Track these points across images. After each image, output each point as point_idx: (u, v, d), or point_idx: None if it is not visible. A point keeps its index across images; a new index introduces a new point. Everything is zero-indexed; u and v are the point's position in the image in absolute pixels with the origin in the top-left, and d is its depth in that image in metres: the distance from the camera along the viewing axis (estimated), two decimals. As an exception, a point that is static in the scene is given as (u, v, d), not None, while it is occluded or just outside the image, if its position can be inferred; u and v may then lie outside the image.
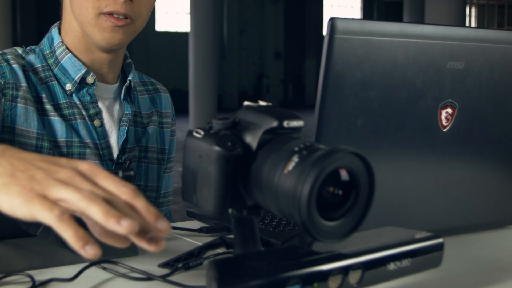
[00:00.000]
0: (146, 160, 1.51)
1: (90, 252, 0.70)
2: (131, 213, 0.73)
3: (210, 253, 1.00)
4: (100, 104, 1.44)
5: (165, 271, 0.98)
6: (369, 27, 1.03)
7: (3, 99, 1.33)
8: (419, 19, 12.93)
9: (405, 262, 0.83)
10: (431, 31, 1.10)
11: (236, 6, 18.82)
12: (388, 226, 0.93)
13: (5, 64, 1.37)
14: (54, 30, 1.46)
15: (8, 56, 1.39)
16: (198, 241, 1.15)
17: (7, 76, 1.35)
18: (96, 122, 1.42)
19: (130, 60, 1.52)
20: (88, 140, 1.40)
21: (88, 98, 1.42)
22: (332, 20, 0.99)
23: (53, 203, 0.72)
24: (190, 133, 0.85)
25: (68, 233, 0.71)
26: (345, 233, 0.79)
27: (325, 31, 1.01)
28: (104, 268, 0.98)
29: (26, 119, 1.35)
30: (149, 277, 0.95)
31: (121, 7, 1.34)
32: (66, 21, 1.44)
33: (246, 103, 0.89)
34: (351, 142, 1.04)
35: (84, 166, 0.77)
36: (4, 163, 0.77)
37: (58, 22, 1.48)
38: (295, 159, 0.78)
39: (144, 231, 0.73)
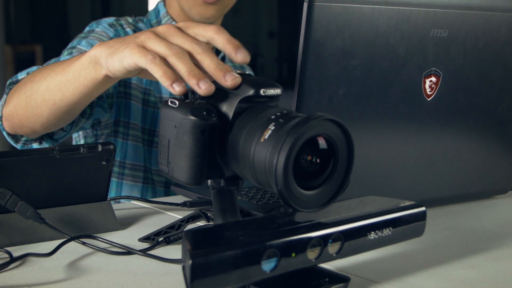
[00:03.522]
0: None
1: (177, 89, 0.85)
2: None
3: (191, 226, 0.99)
4: None
5: (145, 245, 0.97)
6: (350, -6, 1.01)
7: None
8: None
9: (386, 231, 0.81)
10: (414, -2, 1.08)
11: (229, -15, 18.68)
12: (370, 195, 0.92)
13: (120, 28, 1.56)
14: (160, 3, 1.66)
15: (122, 22, 1.58)
16: (181, 216, 1.14)
17: None
18: None
19: None
20: None
21: None
22: (311, -13, 0.97)
23: (149, 50, 0.90)
24: (165, 103, 0.83)
25: (158, 73, 0.87)
26: (323, 202, 0.78)
27: None
28: (83, 243, 0.97)
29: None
30: (129, 251, 0.94)
31: None
32: None
33: (222, 72, 0.87)
34: (333, 112, 1.02)
35: (179, 24, 0.94)
36: (114, 39, 0.99)
37: None
38: (272, 127, 0.76)
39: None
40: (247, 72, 1.68)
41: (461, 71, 1.15)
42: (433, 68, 1.11)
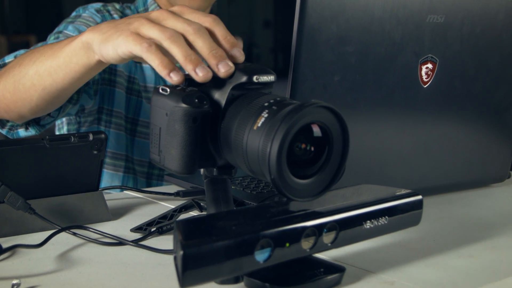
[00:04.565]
0: None
1: (174, 78, 0.83)
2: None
3: (183, 216, 0.97)
4: None
5: (137, 235, 0.95)
6: (344, -20, 0.99)
7: None
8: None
9: (382, 220, 0.80)
10: (410, -17, 1.06)
11: (224, -25, 18.65)
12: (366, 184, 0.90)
13: (107, 14, 1.54)
14: None
15: (109, 7, 1.56)
16: (174, 205, 1.12)
17: None
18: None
19: None
20: None
21: None
22: (305, -28, 0.95)
23: (144, 38, 0.88)
24: (156, 90, 0.82)
25: (155, 62, 0.85)
26: (318, 191, 0.76)
27: None
28: (74, 234, 0.95)
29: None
30: (120, 242, 0.92)
31: None
32: None
33: (214, 58, 0.85)
34: (328, 99, 1.00)
35: (174, 8, 0.92)
36: (106, 24, 0.96)
37: None
38: (265, 114, 0.74)
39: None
40: None
41: (458, 58, 1.13)
42: (430, 55, 1.10)
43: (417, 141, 1.13)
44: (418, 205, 0.84)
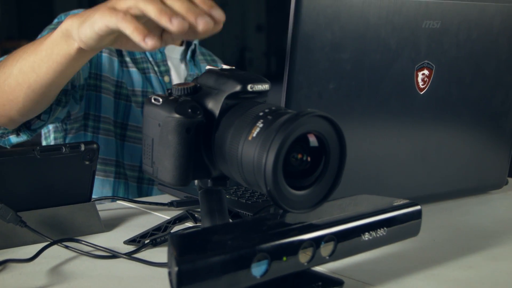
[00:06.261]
0: None
1: (149, 43, 0.83)
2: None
3: (178, 227, 0.95)
4: (169, 63, 1.61)
5: (131, 248, 0.93)
6: (339, -14, 0.97)
7: None
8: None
9: (381, 232, 0.78)
10: (405, -12, 1.05)
11: (216, -21, 18.60)
12: (363, 194, 0.89)
13: None
14: None
15: None
16: (168, 216, 1.10)
17: None
18: (166, 78, 1.59)
19: None
20: (159, 92, 1.57)
21: (159, 56, 1.59)
22: (299, -22, 0.93)
23: (119, 10, 0.86)
24: (148, 100, 0.80)
25: (129, 29, 0.84)
26: (315, 202, 0.74)
27: None
28: (67, 247, 0.93)
29: (109, 67, 1.51)
30: (114, 255, 0.90)
31: None
32: None
33: (208, 67, 0.84)
34: (323, 107, 0.99)
35: None
36: (89, 9, 0.94)
37: None
38: (260, 124, 0.73)
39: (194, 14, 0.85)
40: (218, 65, 1.68)
41: (454, 64, 1.12)
42: (426, 61, 1.08)
43: (413, 148, 1.12)
44: (417, 215, 0.83)
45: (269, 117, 0.73)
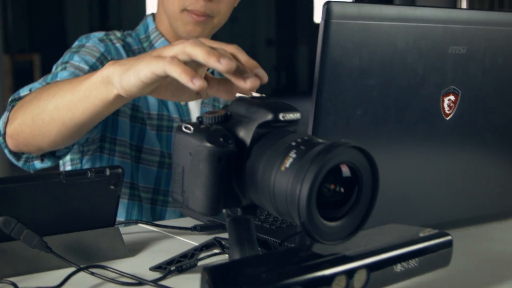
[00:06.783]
0: None
1: (197, 83, 0.85)
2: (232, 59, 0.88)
3: (204, 254, 0.95)
4: None
5: (157, 274, 0.93)
6: (367, 11, 0.97)
7: None
8: (410, 2, 12.82)
9: (413, 263, 0.78)
10: (432, 14, 1.04)
11: (227, -6, 18.62)
12: (391, 222, 0.88)
13: (109, 43, 1.55)
14: (149, 18, 1.64)
15: (112, 36, 1.57)
16: (192, 240, 1.10)
17: (112, 53, 1.53)
18: (182, 102, 1.56)
19: None
20: (175, 115, 1.57)
21: None
22: (328, 4, 0.93)
23: (165, 57, 0.89)
24: (179, 128, 0.79)
25: (177, 71, 0.86)
26: (347, 233, 0.74)
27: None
28: (92, 273, 0.92)
29: None
30: (140, 282, 0.90)
31: (200, 6, 1.50)
32: (159, 12, 1.62)
33: (238, 94, 0.83)
34: (350, 133, 0.98)
35: (191, 40, 0.91)
36: (127, 58, 1.00)
37: (152, 13, 1.66)
38: (293, 154, 0.72)
39: (241, 74, 0.89)
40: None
41: (480, 89, 1.11)
42: (452, 86, 1.08)
43: (439, 173, 1.11)
44: (448, 245, 0.82)
45: (302, 147, 0.73)
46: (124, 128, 1.52)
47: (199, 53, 0.87)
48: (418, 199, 1.10)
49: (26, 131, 1.16)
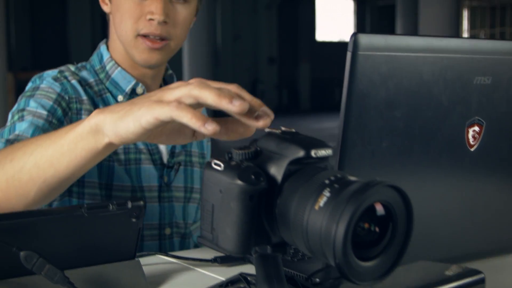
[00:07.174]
0: (190, 163, 1.60)
1: (209, 128, 0.82)
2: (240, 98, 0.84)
3: (228, 289, 0.93)
4: None
5: (180, 310, 0.91)
6: (394, 42, 0.96)
7: (69, 113, 1.44)
8: (413, 23, 12.87)
9: (446, 302, 0.76)
10: (457, 44, 1.03)
11: (230, 12, 18.73)
12: (415, 255, 0.86)
13: (65, 81, 1.47)
14: (102, 47, 1.57)
15: (66, 73, 1.49)
16: (212, 272, 1.08)
17: (69, 91, 1.46)
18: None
19: (171, 71, 1.63)
20: (142, 146, 1.50)
21: None
22: (355, 35, 0.92)
23: (170, 101, 0.85)
24: (208, 164, 0.78)
25: (187, 116, 0.82)
26: (382, 273, 0.72)
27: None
28: (115, 309, 0.91)
29: None
30: (163, 318, 0.88)
31: (155, 28, 1.44)
32: (113, 39, 1.55)
33: (267, 129, 0.82)
34: (376, 165, 0.97)
35: (194, 81, 0.87)
36: (116, 104, 0.96)
37: (105, 39, 1.58)
38: (327, 193, 0.71)
39: (251, 113, 0.85)
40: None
41: (504, 119, 1.10)
42: (476, 117, 1.06)
43: (464, 204, 1.09)
44: (481, 283, 0.81)
45: (336, 185, 0.71)
46: (91, 169, 1.44)
47: (208, 96, 0.83)
48: (442, 231, 1.08)
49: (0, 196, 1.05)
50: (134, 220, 1.00)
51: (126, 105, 0.91)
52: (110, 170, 1.47)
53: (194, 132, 0.96)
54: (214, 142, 1.61)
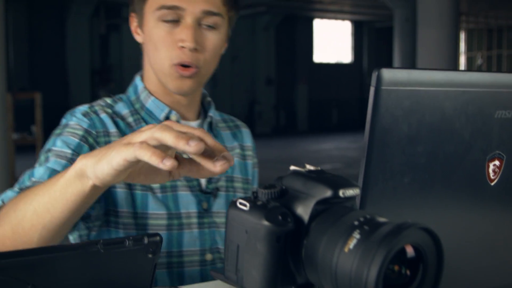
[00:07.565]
0: (232, 189, 1.60)
1: (168, 164, 0.89)
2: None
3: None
4: None
5: None
6: (416, 77, 0.95)
7: (97, 147, 1.44)
8: (411, 45, 12.89)
9: None
10: (479, 78, 1.02)
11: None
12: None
13: (94, 115, 1.50)
14: (137, 78, 1.61)
15: (96, 108, 1.52)
16: (227, 308, 1.06)
17: (97, 126, 1.48)
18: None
19: (209, 99, 1.66)
20: None
21: None
22: (378, 70, 0.91)
23: (134, 143, 0.93)
24: (233, 204, 0.76)
25: (147, 155, 0.90)
26: (413, 317, 0.70)
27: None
28: None
29: None
30: None
31: (187, 56, 1.47)
32: (146, 70, 1.59)
33: (292, 167, 0.80)
34: (397, 202, 0.95)
35: (159, 125, 0.94)
36: (99, 148, 1.01)
37: (140, 71, 1.62)
38: (356, 235, 0.69)
39: (210, 157, 0.93)
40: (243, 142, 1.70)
41: (525, 153, 1.09)
42: (497, 151, 1.05)
43: (484, 239, 1.08)
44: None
45: (366, 227, 0.70)
46: (123, 199, 1.46)
47: (167, 137, 0.91)
48: (463, 266, 1.07)
49: (7, 243, 1.11)
50: (150, 256, 0.98)
51: (104, 149, 0.98)
52: (144, 199, 1.47)
53: (170, 172, 1.02)
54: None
